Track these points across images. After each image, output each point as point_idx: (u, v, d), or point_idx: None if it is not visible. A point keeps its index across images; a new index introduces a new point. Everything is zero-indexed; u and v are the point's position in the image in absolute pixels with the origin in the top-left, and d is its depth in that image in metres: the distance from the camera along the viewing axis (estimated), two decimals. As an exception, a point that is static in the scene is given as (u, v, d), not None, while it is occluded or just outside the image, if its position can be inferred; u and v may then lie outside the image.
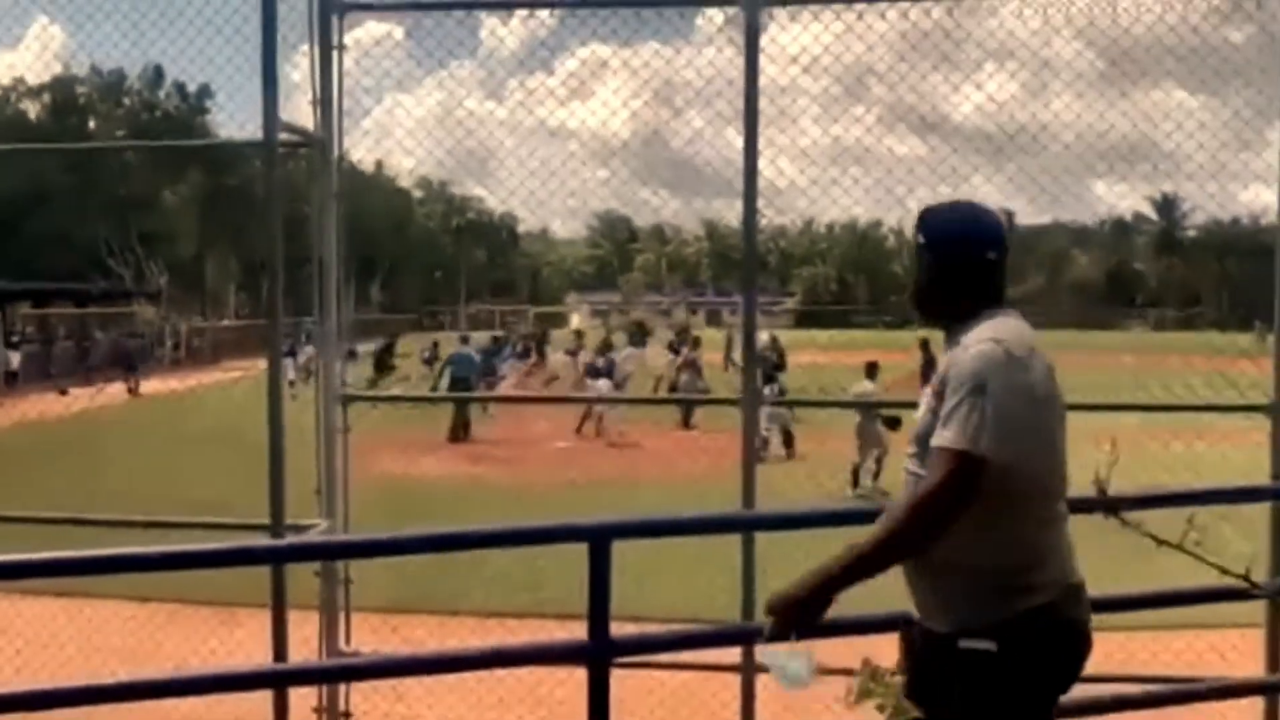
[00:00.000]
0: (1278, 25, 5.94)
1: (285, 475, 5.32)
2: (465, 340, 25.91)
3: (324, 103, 5.80)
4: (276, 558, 4.26)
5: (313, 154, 5.92)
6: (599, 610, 3.33)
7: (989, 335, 2.89)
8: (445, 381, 22.04)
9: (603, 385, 19.71)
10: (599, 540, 3.32)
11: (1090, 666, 3.07)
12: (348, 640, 6.31)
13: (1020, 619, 2.80)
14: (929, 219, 3.19)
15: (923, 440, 2.94)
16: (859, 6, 6.13)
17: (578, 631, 3.45)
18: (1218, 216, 78.89)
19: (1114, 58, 6.75)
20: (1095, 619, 3.06)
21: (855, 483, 15.04)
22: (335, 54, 5.83)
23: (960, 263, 3.06)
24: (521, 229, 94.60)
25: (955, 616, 2.88)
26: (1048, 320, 75.66)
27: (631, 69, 6.76)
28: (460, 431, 20.16)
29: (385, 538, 3.72)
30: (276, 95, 5.13)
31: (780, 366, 21.26)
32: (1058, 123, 7.15)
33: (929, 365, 22.58)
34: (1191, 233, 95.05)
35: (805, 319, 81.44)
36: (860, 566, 2.89)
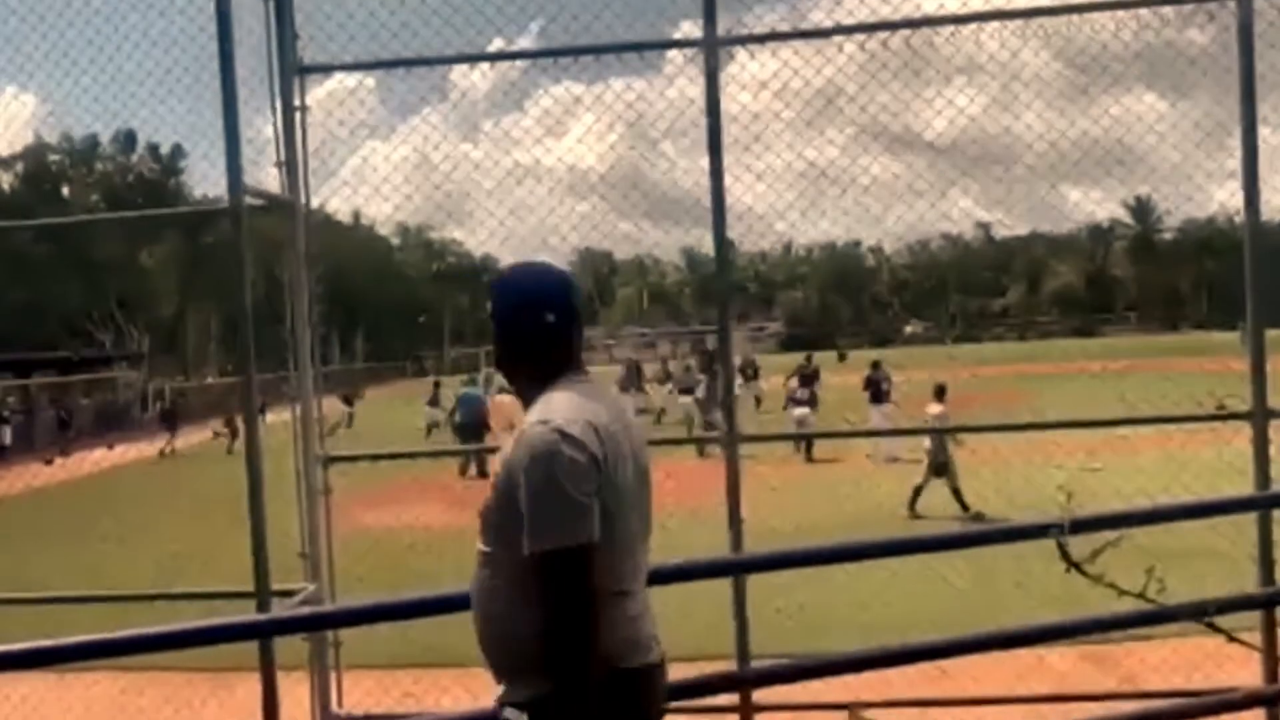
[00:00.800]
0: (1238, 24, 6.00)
1: (267, 539, 5.27)
2: (472, 381, 25.98)
3: (289, 164, 5.80)
4: (257, 633, 4.21)
5: (282, 215, 5.92)
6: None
7: (540, 415, 2.72)
8: (457, 419, 23.46)
9: None
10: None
11: (1088, 680, 3.04)
12: (340, 702, 6.24)
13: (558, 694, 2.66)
14: (493, 284, 3.01)
15: (488, 517, 2.81)
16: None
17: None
18: (1193, 216, 79.82)
19: (1081, 66, 6.83)
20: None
21: (913, 504, 14.58)
22: (298, 115, 5.84)
23: (519, 329, 2.89)
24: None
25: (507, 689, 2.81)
26: (1030, 331, 76.19)
27: (604, 104, 6.80)
28: (472, 467, 20.36)
29: (367, 606, 3.67)
30: (239, 159, 5.12)
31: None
32: (1030, 133, 7.20)
33: (872, 384, 22.96)
34: (1168, 235, 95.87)
35: (790, 343, 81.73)
36: (563, 693, 2.69)
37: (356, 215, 68.25)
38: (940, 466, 14.66)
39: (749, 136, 6.62)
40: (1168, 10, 6.19)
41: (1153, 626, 3.07)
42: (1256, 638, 5.42)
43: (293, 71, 5.76)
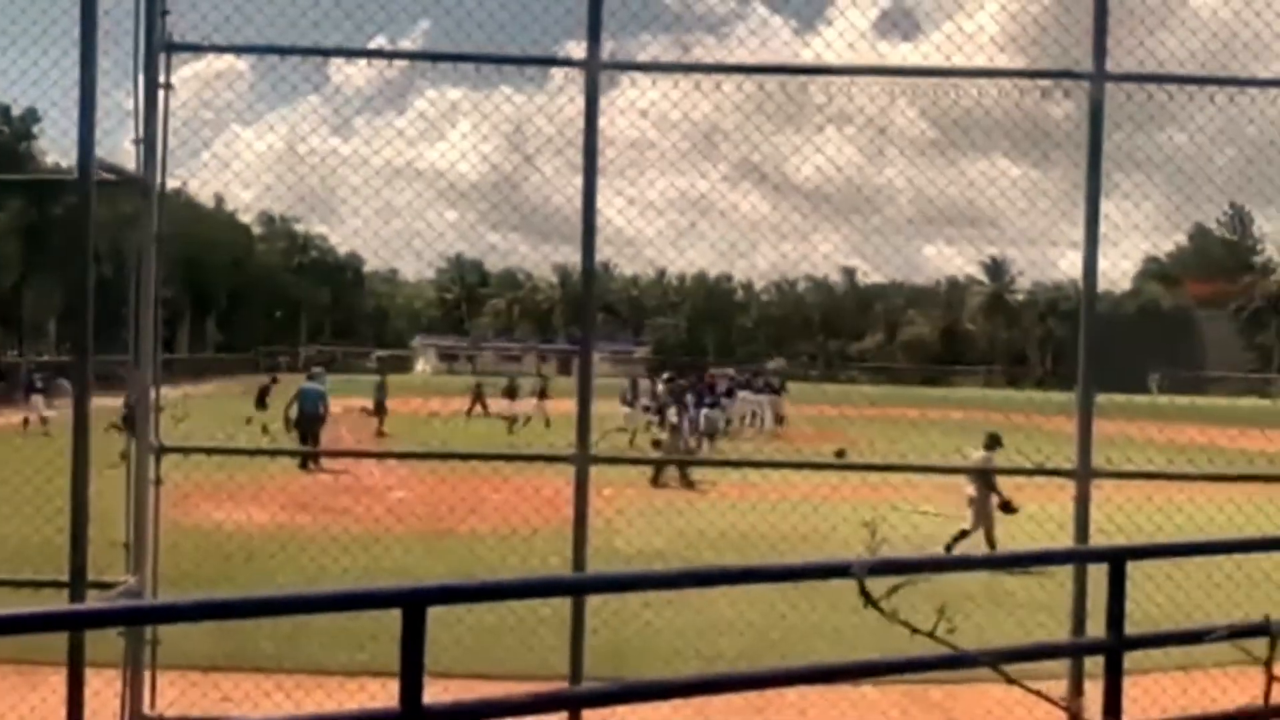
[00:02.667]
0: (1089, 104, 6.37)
1: (88, 527, 5.05)
2: (312, 376, 25.54)
3: (148, 142, 5.61)
4: (69, 624, 4.00)
5: (134, 193, 5.71)
6: (411, 679, 3.25)
7: None
8: (293, 412, 23.03)
9: None
10: (413, 606, 3.25)
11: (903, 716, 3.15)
12: (153, 703, 6.00)
13: None
14: None
15: None
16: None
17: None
18: (1042, 280, 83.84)
19: (945, 128, 7.15)
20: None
21: (950, 546, 13.57)
22: (162, 92, 5.65)
23: None
24: (367, 269, 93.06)
25: None
26: (886, 377, 78.68)
27: (483, 113, 6.79)
28: (310, 461, 20.47)
29: (184, 603, 3.55)
30: (93, 130, 4.92)
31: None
32: (891, 187, 7.51)
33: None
34: (1020, 295, 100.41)
35: (657, 369, 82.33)
36: None
37: (219, 200, 65.98)
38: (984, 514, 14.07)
39: (625, 161, 6.72)
40: (1028, 83, 6.53)
41: (953, 670, 3.22)
42: (1062, 685, 5.71)
43: (159, 47, 5.58)
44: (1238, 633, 3.91)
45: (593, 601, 5.98)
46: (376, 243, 6.85)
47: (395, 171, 6.72)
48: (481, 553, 10.77)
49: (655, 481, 19.80)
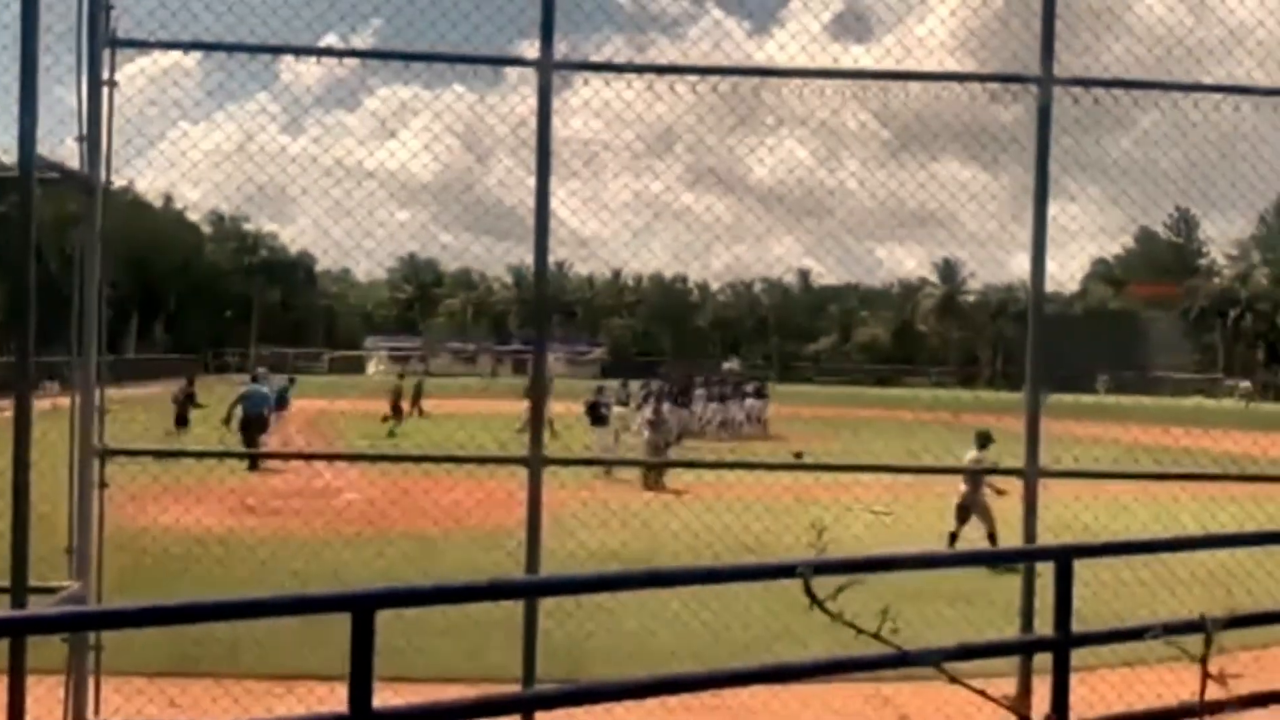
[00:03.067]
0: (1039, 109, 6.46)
1: (30, 532, 4.95)
2: (257, 378, 25.51)
3: (91, 140, 5.51)
4: (9, 630, 3.93)
5: (79, 191, 5.61)
6: (360, 683, 3.22)
7: None
8: (238, 412, 22.95)
9: None
10: (362, 610, 3.22)
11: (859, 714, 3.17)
12: (97, 710, 5.91)
13: None
14: None
15: None
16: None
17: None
18: (993, 281, 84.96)
19: (897, 131, 7.21)
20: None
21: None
22: (106, 89, 5.56)
23: None
24: (319, 269, 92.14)
25: None
26: (840, 377, 79.31)
27: (435, 112, 6.74)
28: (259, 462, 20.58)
29: (128, 608, 3.49)
30: (34, 127, 4.82)
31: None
32: (844, 189, 7.56)
33: (594, 407, 23.73)
34: (971, 297, 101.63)
35: (612, 369, 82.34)
36: None
37: (167, 199, 65.04)
38: (963, 510, 14.20)
39: (579, 162, 6.71)
40: (978, 86, 6.61)
41: (901, 669, 3.25)
42: (1013, 683, 5.79)
43: (103, 43, 5.49)
44: (1174, 630, 4.00)
45: (547, 603, 5.97)
46: (328, 242, 6.78)
47: (347, 170, 6.66)
48: (432, 554, 10.71)
49: (646, 484, 19.73)
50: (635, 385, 33.65)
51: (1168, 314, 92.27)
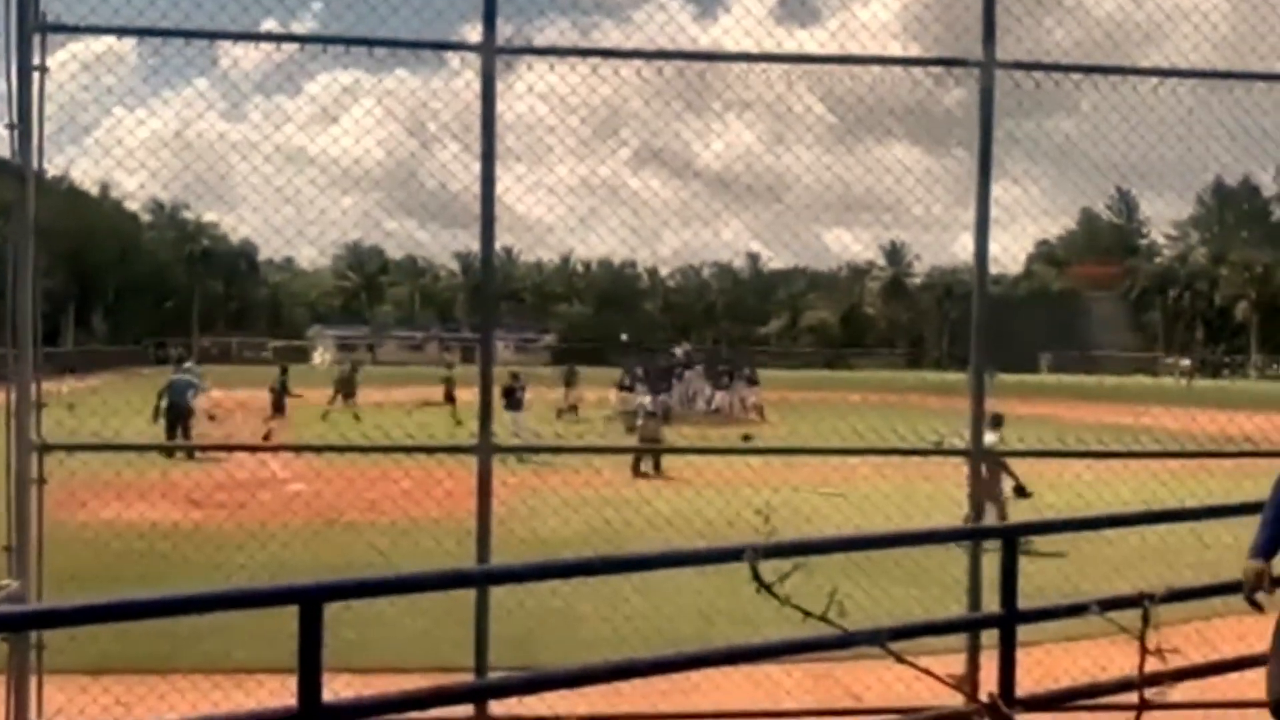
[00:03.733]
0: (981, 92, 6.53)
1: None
2: (181, 370, 26.31)
3: (23, 127, 5.38)
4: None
5: (10, 180, 5.48)
6: (309, 676, 3.20)
7: None
8: (164, 404, 23.56)
9: None
10: (310, 603, 3.20)
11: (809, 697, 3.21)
12: (39, 710, 5.81)
13: None
14: None
15: None
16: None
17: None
18: (939, 263, 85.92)
19: (842, 115, 7.26)
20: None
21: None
22: (37, 75, 5.43)
23: None
24: (261, 258, 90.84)
25: None
26: (789, 360, 79.87)
27: (377, 97, 6.67)
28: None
29: (68, 607, 3.44)
30: (-38, 116, 4.71)
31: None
32: (791, 174, 7.59)
33: (509, 392, 23.68)
34: (917, 279, 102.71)
35: (562, 356, 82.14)
36: None
37: (104, 188, 63.68)
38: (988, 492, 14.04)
39: (523, 147, 6.67)
40: (921, 70, 6.67)
41: (850, 649, 3.30)
42: (954, 661, 5.89)
43: (32, 28, 5.35)
44: (1113, 605, 4.09)
45: (499, 591, 5.96)
46: (270, 230, 6.70)
47: (288, 157, 6.56)
48: (381, 545, 10.64)
49: (637, 471, 19.79)
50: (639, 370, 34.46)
51: (1109, 294, 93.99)
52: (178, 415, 23.61)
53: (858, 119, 7.12)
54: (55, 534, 6.07)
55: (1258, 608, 4.35)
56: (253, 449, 10.53)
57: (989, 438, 15.31)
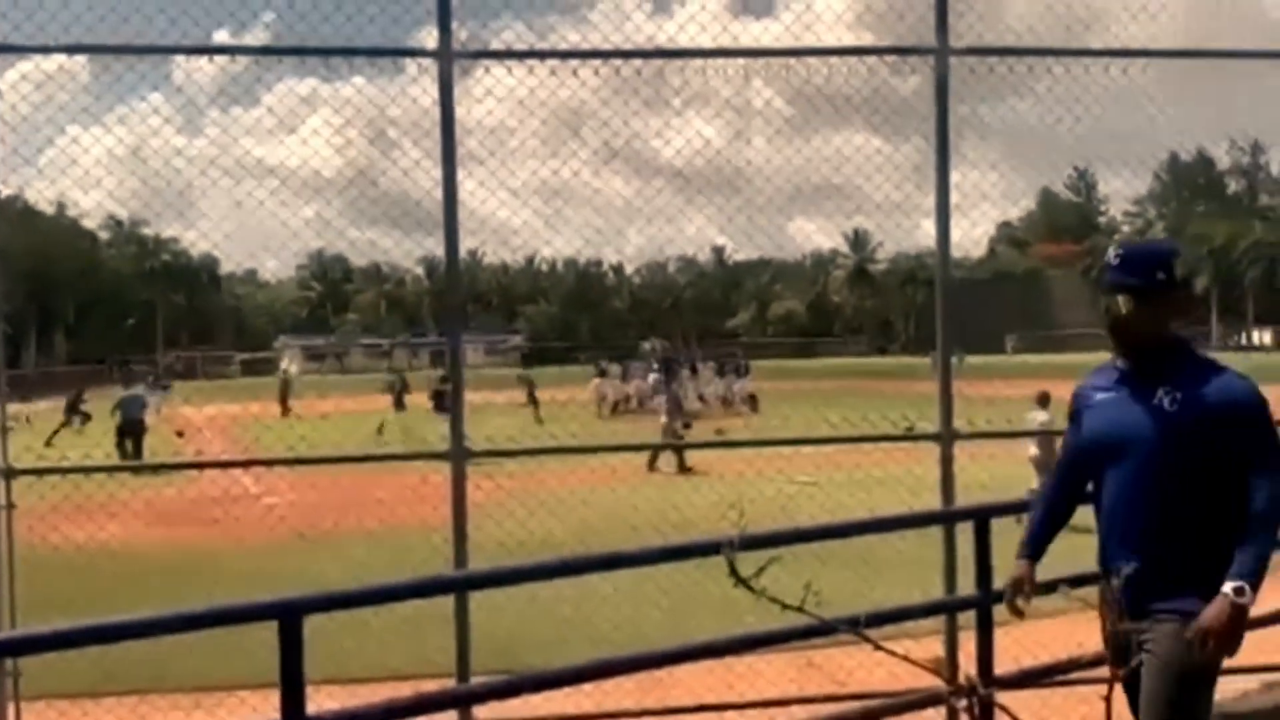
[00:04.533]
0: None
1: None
2: (133, 385, 27.05)
3: (-27, 149, 5.32)
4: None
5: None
6: (292, 690, 3.19)
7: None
8: (118, 418, 24.40)
9: None
10: (289, 617, 3.19)
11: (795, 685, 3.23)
12: (18, 738, 5.75)
13: None
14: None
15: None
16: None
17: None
18: (903, 249, 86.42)
19: (800, 106, 7.30)
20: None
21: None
22: (-13, 95, 5.37)
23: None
24: (224, 270, 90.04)
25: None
26: (757, 351, 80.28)
27: (334, 106, 6.63)
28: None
29: (43, 633, 3.41)
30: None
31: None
32: (752, 167, 7.62)
33: (439, 395, 23.53)
34: (881, 266, 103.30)
35: (532, 357, 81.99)
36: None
37: (60, 207, 62.82)
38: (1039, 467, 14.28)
39: (486, 150, 6.65)
40: (877, 59, 6.71)
41: (829, 636, 3.34)
42: (927, 646, 5.94)
43: (-21, 49, 5.29)
44: (1080, 582, 4.14)
45: (478, 594, 5.96)
46: (231, 244, 6.65)
47: (247, 169, 6.52)
48: (359, 555, 10.60)
49: (651, 465, 19.75)
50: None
51: (1071, 272, 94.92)
52: (130, 431, 24.11)
53: (816, 110, 7.16)
54: (29, 558, 6.01)
55: (1018, 614, 3.97)
56: (224, 465, 10.40)
57: (1040, 416, 15.47)
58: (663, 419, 23.52)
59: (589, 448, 8.27)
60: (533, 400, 32.50)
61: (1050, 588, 4.05)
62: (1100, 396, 3.90)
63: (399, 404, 33.08)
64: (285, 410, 34.77)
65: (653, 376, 36.55)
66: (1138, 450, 3.64)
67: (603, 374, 37.00)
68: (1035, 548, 3.99)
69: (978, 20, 6.78)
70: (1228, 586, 3.35)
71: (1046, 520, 4.03)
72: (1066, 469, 4.04)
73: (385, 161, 6.90)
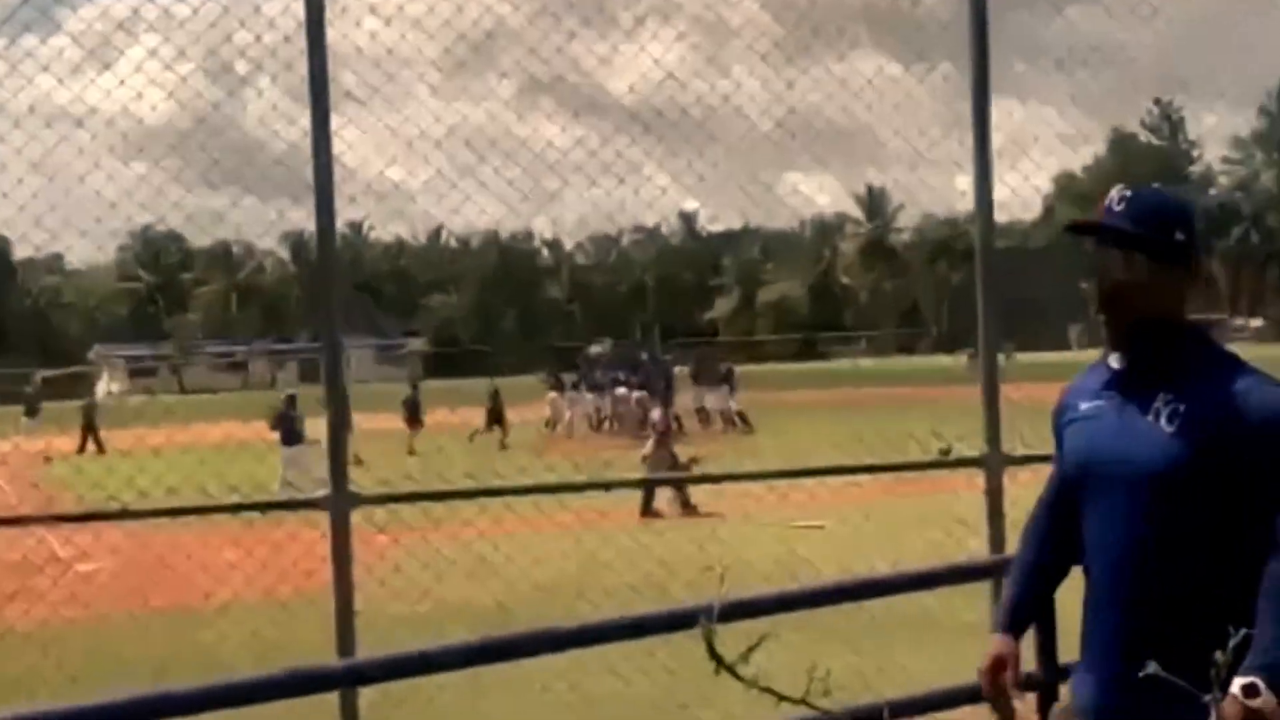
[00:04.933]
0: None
1: None
2: None
3: None
4: None
5: None
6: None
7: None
8: None
9: None
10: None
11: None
12: None
13: None
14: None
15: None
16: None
17: None
18: (931, 212, 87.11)
19: (794, 24, 7.30)
20: None
21: None
22: None
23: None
24: (18, 257, 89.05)
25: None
26: (745, 352, 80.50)
27: (163, 32, 6.54)
28: None
29: None
30: None
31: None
32: (728, 107, 7.60)
33: (285, 421, 24.00)
34: (904, 235, 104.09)
35: (439, 365, 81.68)
36: None
37: None
38: None
39: (367, 89, 6.61)
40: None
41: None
42: None
43: None
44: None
45: (369, 692, 5.93)
46: (27, 220, 6.53)
47: (45, 119, 6.44)
48: (207, 637, 10.52)
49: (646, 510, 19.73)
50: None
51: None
52: None
53: (813, 29, 7.20)
54: None
55: (1008, 714, 3.57)
56: (18, 521, 10.14)
57: None
58: (647, 447, 23.42)
59: (523, 489, 8.19)
60: (497, 420, 32.58)
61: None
62: (1085, 407, 3.52)
63: (289, 437, 32.00)
64: (85, 445, 34.43)
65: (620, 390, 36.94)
66: (1118, 488, 3.35)
67: (557, 386, 37.05)
68: (1014, 617, 3.66)
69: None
70: (1238, 684, 2.99)
71: (1029, 579, 3.71)
72: (1048, 511, 3.70)
73: (234, 105, 6.86)
